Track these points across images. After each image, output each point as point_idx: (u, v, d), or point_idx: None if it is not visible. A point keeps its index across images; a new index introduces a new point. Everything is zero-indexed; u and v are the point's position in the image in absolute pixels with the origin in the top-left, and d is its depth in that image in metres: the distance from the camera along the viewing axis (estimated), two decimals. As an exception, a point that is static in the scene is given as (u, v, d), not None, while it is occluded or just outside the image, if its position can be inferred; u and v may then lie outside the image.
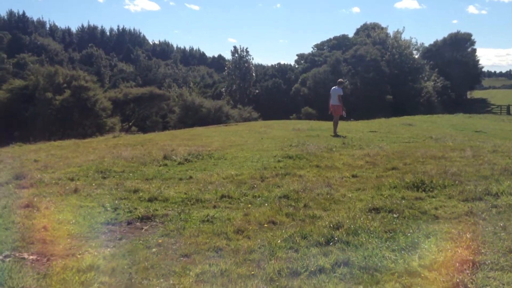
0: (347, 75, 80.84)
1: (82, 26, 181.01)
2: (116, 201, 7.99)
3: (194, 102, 56.27)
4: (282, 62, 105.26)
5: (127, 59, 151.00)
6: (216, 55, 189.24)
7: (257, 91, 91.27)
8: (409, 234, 5.81)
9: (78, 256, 5.44)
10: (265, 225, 6.52)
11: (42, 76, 48.14)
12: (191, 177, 10.15)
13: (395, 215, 6.76)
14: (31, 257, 5.41)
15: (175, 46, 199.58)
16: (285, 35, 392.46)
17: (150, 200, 8.08)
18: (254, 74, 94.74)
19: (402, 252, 5.28)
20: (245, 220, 6.78)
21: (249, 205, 7.69)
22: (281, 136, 19.02)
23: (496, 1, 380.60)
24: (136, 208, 7.51)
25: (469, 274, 4.63)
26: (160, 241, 5.96)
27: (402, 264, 4.94)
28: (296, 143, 15.82)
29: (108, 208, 7.55)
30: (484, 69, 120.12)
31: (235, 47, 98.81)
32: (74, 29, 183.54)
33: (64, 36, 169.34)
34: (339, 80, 21.19)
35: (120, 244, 5.93)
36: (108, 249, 5.70)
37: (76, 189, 8.75)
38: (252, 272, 4.85)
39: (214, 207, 7.64)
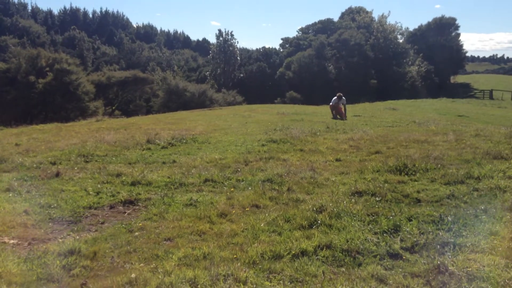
0: (331, 59, 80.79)
1: (64, 8, 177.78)
2: (99, 185, 7.95)
3: (178, 86, 55.87)
4: (267, 46, 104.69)
5: (110, 42, 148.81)
6: (200, 39, 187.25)
7: (241, 75, 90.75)
8: (391, 217, 5.85)
9: (60, 240, 5.40)
10: (248, 209, 6.53)
11: (24, 59, 47.27)
12: (174, 161, 10.13)
13: (377, 199, 6.81)
14: (11, 241, 5.35)
15: (159, 29, 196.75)
16: (270, 18, 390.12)
17: (133, 184, 8.06)
18: (238, 58, 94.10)
19: (384, 234, 5.32)
20: (228, 204, 6.78)
21: (233, 189, 7.69)
22: (266, 120, 19.04)
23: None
24: (118, 192, 7.48)
25: (450, 256, 4.68)
26: (142, 225, 5.93)
27: (384, 247, 4.98)
28: (280, 127, 15.86)
29: (91, 192, 7.51)
30: (468, 54, 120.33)
31: (220, 30, 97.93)
32: (56, 11, 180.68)
33: (46, 18, 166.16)
34: (340, 94, 22.35)
35: (103, 228, 5.90)
36: (90, 233, 5.67)
37: (58, 173, 8.68)
38: (235, 256, 4.85)
39: (198, 191, 7.64)
